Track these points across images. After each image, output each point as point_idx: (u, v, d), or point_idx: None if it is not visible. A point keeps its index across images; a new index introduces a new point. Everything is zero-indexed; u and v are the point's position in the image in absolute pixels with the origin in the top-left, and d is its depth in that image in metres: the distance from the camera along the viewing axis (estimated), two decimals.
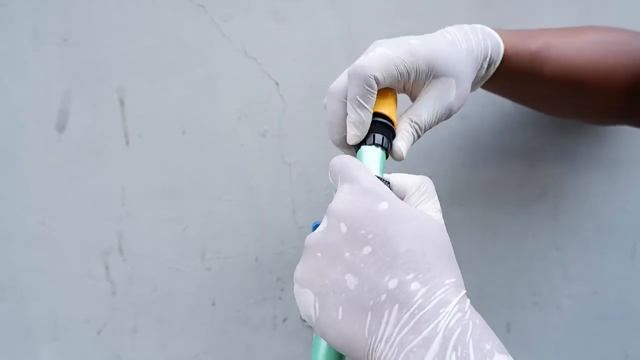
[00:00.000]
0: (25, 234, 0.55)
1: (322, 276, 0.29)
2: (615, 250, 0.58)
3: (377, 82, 0.34)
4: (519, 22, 0.54)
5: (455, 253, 0.31)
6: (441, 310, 0.27)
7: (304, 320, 0.56)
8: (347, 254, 0.29)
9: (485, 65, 0.40)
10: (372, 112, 0.35)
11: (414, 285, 0.27)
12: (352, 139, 0.36)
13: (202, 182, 0.54)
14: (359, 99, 0.34)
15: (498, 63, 0.41)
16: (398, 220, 0.29)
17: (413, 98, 0.39)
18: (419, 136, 0.37)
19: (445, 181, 0.54)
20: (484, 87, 0.45)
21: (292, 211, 0.55)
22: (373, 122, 0.36)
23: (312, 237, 0.31)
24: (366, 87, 0.34)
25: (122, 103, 0.54)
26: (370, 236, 0.29)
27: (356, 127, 0.35)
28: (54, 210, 0.55)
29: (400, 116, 0.38)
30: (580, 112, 0.50)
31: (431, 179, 0.33)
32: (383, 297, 0.28)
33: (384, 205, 0.29)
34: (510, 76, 0.43)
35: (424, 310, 0.27)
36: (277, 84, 0.53)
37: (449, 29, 0.40)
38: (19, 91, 0.54)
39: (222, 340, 0.57)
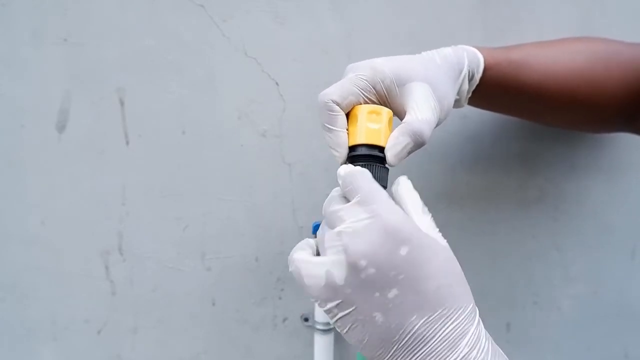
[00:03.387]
0: (25, 234, 0.55)
1: (354, 313, 0.31)
2: (615, 251, 0.58)
3: (338, 104, 0.36)
4: (519, 22, 0.54)
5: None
6: (460, 343, 0.29)
7: (305, 320, 0.56)
8: (376, 294, 0.30)
9: (466, 77, 0.41)
10: (363, 144, 0.36)
11: (440, 322, 0.30)
12: (338, 160, 0.37)
13: (202, 182, 0.54)
14: (325, 124, 0.36)
15: (479, 73, 0.42)
16: (422, 261, 0.30)
17: (395, 110, 0.38)
18: (415, 138, 0.36)
19: (445, 181, 0.54)
20: (474, 103, 0.45)
21: (292, 211, 0.55)
22: (357, 158, 0.36)
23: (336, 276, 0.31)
24: (328, 112, 0.36)
25: (122, 103, 0.54)
26: (401, 277, 0.30)
27: (334, 149, 0.36)
28: (54, 210, 0.55)
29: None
30: (576, 125, 0.50)
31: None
32: (408, 336, 0.30)
33: (404, 250, 0.30)
34: (495, 87, 0.43)
35: (445, 342, 0.29)
36: (277, 84, 0.53)
37: (424, 52, 0.41)
38: (19, 91, 0.54)
39: (222, 340, 0.57)
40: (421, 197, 0.34)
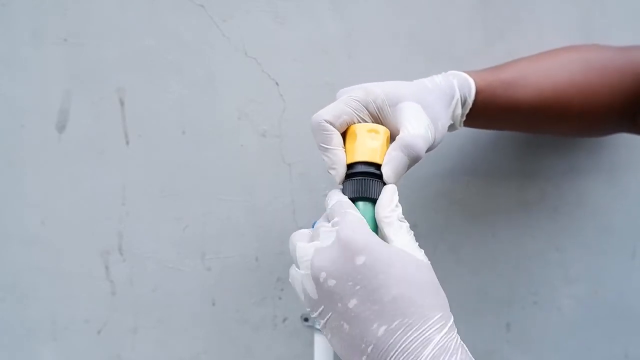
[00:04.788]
0: (25, 234, 0.55)
1: (329, 322, 0.33)
2: (616, 252, 0.58)
3: (331, 124, 0.36)
4: (519, 22, 0.54)
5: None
6: (422, 353, 0.29)
7: (305, 320, 0.56)
8: (339, 305, 0.32)
9: (459, 102, 0.41)
10: (360, 161, 0.36)
11: (400, 331, 0.30)
12: (336, 179, 0.37)
13: (202, 182, 0.54)
14: (321, 144, 0.37)
15: (472, 97, 0.42)
16: (377, 271, 0.31)
17: (391, 129, 0.38)
18: (408, 152, 0.35)
19: (445, 182, 0.54)
20: (470, 125, 0.45)
21: (292, 211, 0.55)
22: (354, 175, 0.36)
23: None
24: (323, 132, 0.36)
25: (122, 103, 0.54)
26: (357, 287, 0.31)
27: (331, 169, 0.37)
28: (54, 210, 0.55)
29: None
30: (574, 133, 0.51)
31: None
32: (371, 346, 0.30)
33: (360, 260, 0.31)
34: (489, 108, 0.43)
35: (407, 353, 0.29)
36: (277, 84, 0.53)
37: (415, 80, 0.41)
38: (19, 91, 0.54)
39: (222, 340, 0.57)
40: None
